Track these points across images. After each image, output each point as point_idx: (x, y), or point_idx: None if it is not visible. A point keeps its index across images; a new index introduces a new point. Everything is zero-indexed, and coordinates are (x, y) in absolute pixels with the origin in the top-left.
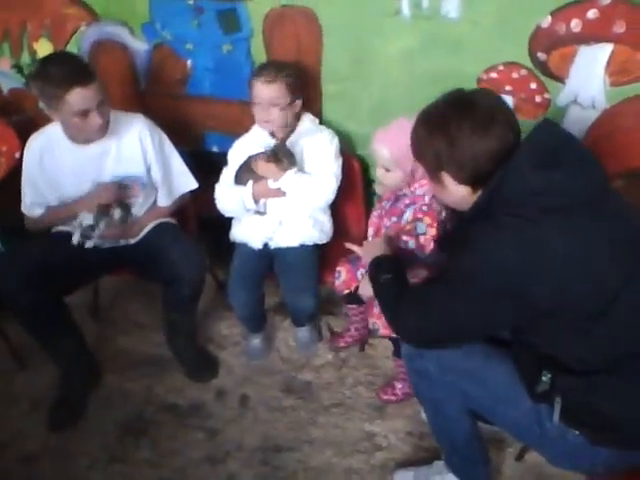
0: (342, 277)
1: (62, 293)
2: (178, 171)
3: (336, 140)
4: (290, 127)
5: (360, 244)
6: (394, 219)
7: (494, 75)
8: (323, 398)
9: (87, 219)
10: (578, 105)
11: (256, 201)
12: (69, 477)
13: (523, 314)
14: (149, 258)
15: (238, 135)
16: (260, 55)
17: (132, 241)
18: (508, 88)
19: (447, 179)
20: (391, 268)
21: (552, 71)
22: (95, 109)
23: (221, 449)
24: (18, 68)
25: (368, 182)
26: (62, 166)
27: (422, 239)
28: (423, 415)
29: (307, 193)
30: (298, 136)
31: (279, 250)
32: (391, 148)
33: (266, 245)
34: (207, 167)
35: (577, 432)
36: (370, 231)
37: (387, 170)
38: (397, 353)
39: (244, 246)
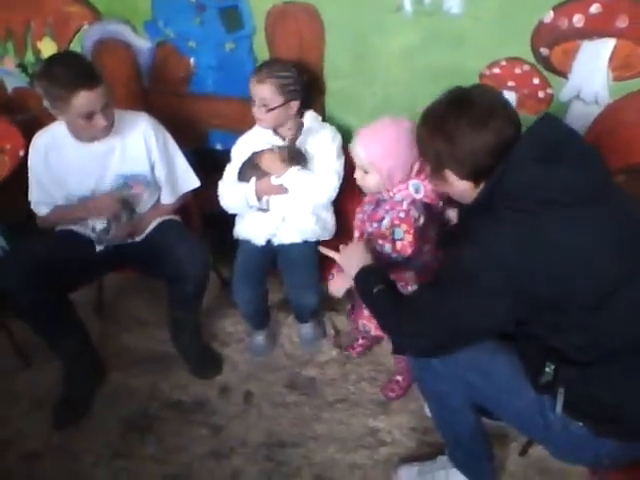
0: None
1: (66, 290)
2: (181, 169)
3: (339, 137)
4: (295, 126)
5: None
6: (375, 225)
7: (497, 71)
8: (327, 394)
9: (99, 224)
10: (581, 100)
11: (259, 198)
12: (73, 475)
13: (524, 308)
14: (153, 255)
15: (241, 133)
16: (263, 52)
17: (137, 239)
18: (511, 84)
19: (450, 176)
20: (381, 278)
21: (555, 66)
22: (100, 111)
23: (225, 445)
24: (22, 67)
25: None
26: (67, 164)
27: (399, 244)
28: (427, 410)
29: (309, 190)
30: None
31: (282, 247)
32: (365, 149)
33: (269, 242)
34: (211, 165)
35: (580, 424)
36: (356, 233)
37: (365, 172)
38: (396, 351)
39: (247, 243)
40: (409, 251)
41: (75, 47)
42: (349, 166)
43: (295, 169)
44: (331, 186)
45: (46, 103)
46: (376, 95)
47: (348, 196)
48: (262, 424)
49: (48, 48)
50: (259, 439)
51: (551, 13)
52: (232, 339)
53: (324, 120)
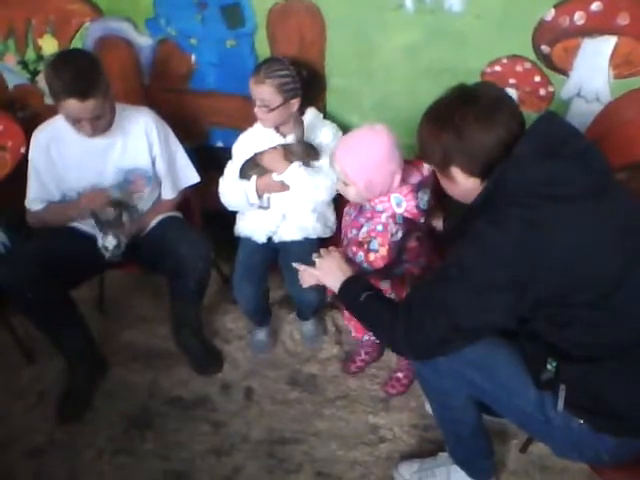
0: None
1: (68, 287)
2: (182, 164)
3: (340, 134)
4: (296, 125)
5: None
6: (354, 232)
7: (498, 68)
8: (328, 391)
9: (109, 241)
10: (582, 98)
11: (259, 196)
12: (76, 469)
13: (526, 305)
14: (155, 251)
15: (243, 130)
16: (264, 50)
17: (141, 234)
18: (512, 81)
19: (457, 173)
20: (365, 286)
21: (556, 64)
22: (88, 121)
23: (226, 441)
24: (23, 64)
25: None
26: (68, 157)
27: (372, 256)
28: (427, 407)
29: (311, 187)
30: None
31: (283, 244)
32: (341, 163)
33: (270, 239)
34: (212, 162)
35: (581, 421)
36: (343, 235)
37: (345, 184)
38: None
39: (248, 240)
40: (380, 264)
41: (76, 44)
42: None
43: (296, 166)
44: (332, 183)
45: (49, 100)
46: (377, 92)
47: None
48: (263, 421)
49: (49, 45)
50: (260, 436)
51: (552, 11)
52: (233, 336)
53: (325, 117)
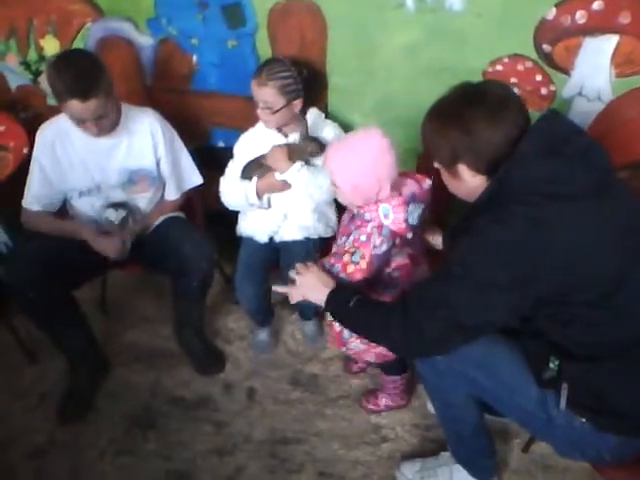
0: None
1: (70, 287)
2: (186, 166)
3: (342, 134)
4: (295, 122)
5: None
6: (344, 239)
7: (499, 68)
8: (330, 391)
9: None
10: (583, 97)
11: (260, 197)
12: (77, 470)
13: (528, 303)
14: (159, 251)
15: (244, 130)
16: (265, 50)
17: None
18: (513, 80)
19: (464, 171)
20: (351, 292)
21: (557, 63)
22: (92, 121)
23: (229, 441)
24: (25, 65)
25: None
26: (73, 155)
27: (351, 267)
28: (429, 407)
29: (313, 186)
30: None
31: (284, 244)
32: (330, 168)
33: (272, 239)
34: (213, 162)
35: (583, 420)
36: (334, 245)
37: (336, 187)
38: (386, 371)
39: (250, 240)
40: (358, 277)
41: (78, 45)
42: None
43: (299, 165)
44: None
45: (52, 100)
46: (378, 91)
47: None
48: (265, 421)
49: (51, 46)
50: (262, 436)
51: (553, 10)
52: (235, 336)
53: (327, 117)
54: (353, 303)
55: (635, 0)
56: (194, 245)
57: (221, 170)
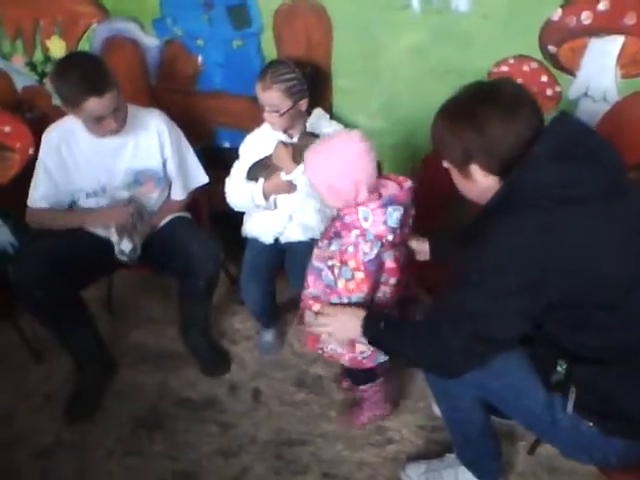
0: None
1: (78, 287)
2: (192, 165)
3: None
4: (301, 122)
5: None
6: (325, 243)
7: (505, 69)
8: (335, 392)
9: (125, 245)
10: (589, 98)
11: (266, 198)
12: (84, 470)
13: (539, 308)
14: (165, 251)
15: (249, 130)
16: (270, 50)
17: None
18: (519, 81)
19: (476, 171)
20: (378, 317)
21: (563, 64)
22: (110, 115)
23: (234, 442)
24: (31, 65)
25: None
26: (79, 156)
27: (351, 285)
28: (435, 409)
29: None
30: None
31: (289, 245)
32: (307, 167)
33: (277, 240)
34: (219, 163)
35: (590, 424)
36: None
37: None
38: (356, 382)
39: (255, 241)
40: (365, 289)
41: (84, 45)
42: None
43: (303, 166)
44: None
45: (57, 101)
46: (383, 92)
47: None
48: (271, 422)
49: (57, 47)
50: (268, 437)
51: (559, 10)
52: (240, 337)
53: (332, 118)
54: (383, 325)
55: None
56: (201, 245)
57: (226, 170)
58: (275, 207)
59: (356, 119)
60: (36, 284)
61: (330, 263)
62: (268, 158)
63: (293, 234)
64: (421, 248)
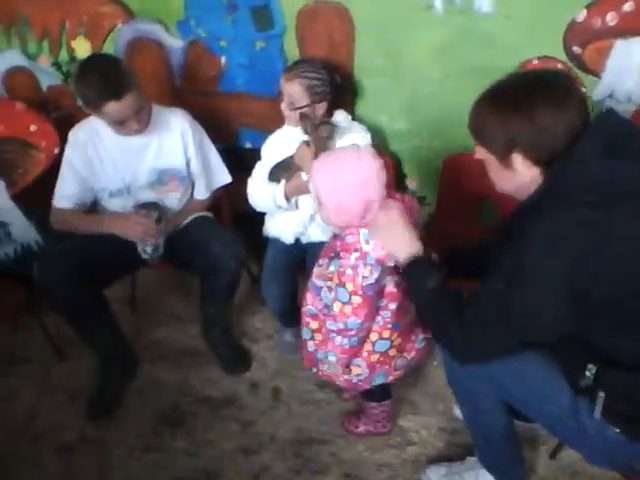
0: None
1: (101, 285)
2: (215, 165)
3: (368, 136)
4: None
5: None
6: (325, 261)
7: None
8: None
9: (149, 246)
10: (614, 99)
11: (287, 199)
12: (106, 466)
13: (580, 308)
14: (188, 250)
15: (272, 131)
16: (293, 51)
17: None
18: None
19: (518, 161)
20: (432, 270)
21: (588, 65)
22: (132, 117)
23: (254, 441)
24: (57, 65)
25: (400, 178)
26: (104, 156)
27: (347, 308)
28: (456, 412)
29: None
30: None
31: (310, 245)
32: (315, 181)
33: (298, 240)
34: (241, 163)
35: (617, 430)
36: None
37: (319, 204)
38: (367, 396)
39: (277, 241)
40: (362, 316)
41: (108, 46)
42: None
43: None
44: None
45: (80, 102)
46: (406, 93)
47: None
48: (291, 421)
49: (82, 47)
50: (288, 435)
51: (584, 12)
52: (261, 336)
53: (354, 119)
54: (431, 287)
55: None
56: (223, 244)
57: (248, 171)
58: (297, 208)
59: (378, 120)
60: (60, 283)
61: (329, 284)
62: (290, 159)
63: (314, 234)
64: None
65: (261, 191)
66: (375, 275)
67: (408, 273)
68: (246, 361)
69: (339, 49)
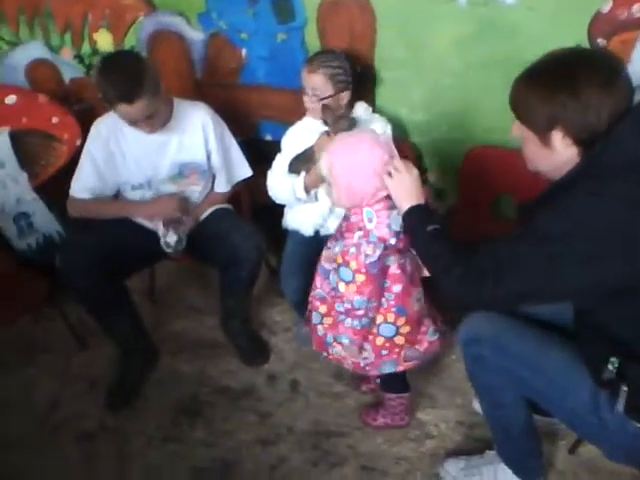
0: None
1: (123, 276)
2: (236, 158)
3: (389, 128)
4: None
5: None
6: (333, 244)
7: None
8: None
9: (171, 237)
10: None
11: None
12: (125, 455)
13: (602, 288)
14: (208, 242)
15: (292, 124)
16: (314, 44)
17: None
18: None
19: (557, 139)
20: (434, 219)
21: None
22: (143, 121)
23: (272, 432)
24: (79, 58)
25: (421, 170)
26: (126, 150)
27: (351, 287)
28: (475, 405)
29: None
30: None
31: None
32: (330, 156)
33: (318, 232)
34: (261, 155)
35: (639, 425)
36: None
37: (329, 184)
38: (385, 388)
39: (296, 233)
40: (366, 293)
41: (130, 39)
42: (399, 156)
43: None
44: None
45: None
46: (427, 86)
47: None
48: (309, 413)
49: (104, 40)
50: (305, 427)
51: (609, 3)
52: (279, 328)
53: (374, 111)
54: (430, 229)
55: None
56: (244, 236)
57: (268, 163)
58: (316, 200)
59: (399, 112)
60: (82, 274)
61: (334, 265)
62: (310, 150)
63: (333, 226)
64: None
65: (281, 183)
66: (378, 252)
67: (410, 217)
68: (264, 353)
69: (360, 41)
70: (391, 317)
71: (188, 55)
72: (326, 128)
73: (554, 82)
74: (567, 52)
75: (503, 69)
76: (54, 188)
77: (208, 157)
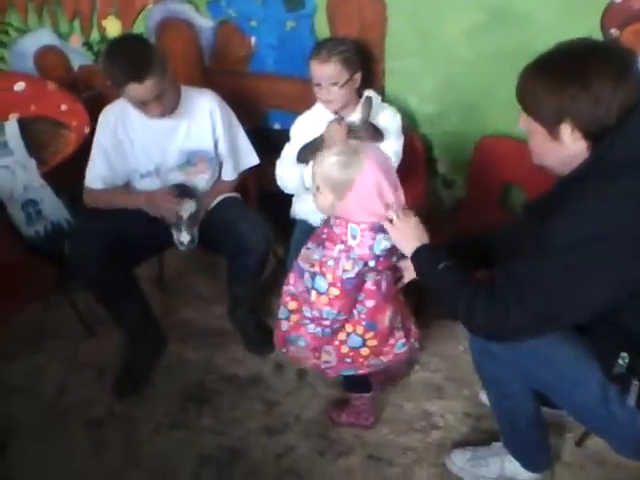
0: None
1: (131, 264)
2: (243, 146)
3: (399, 117)
4: (353, 103)
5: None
6: (313, 245)
7: None
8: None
9: (184, 236)
10: None
11: None
12: (133, 442)
13: (624, 288)
14: (216, 231)
15: (301, 112)
16: (323, 31)
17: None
18: None
19: (566, 133)
20: (444, 256)
21: None
22: (153, 101)
23: (279, 421)
24: (88, 45)
25: (430, 160)
26: (134, 138)
27: (322, 298)
28: (482, 397)
29: None
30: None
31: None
32: (364, 160)
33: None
34: (269, 144)
35: None
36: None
37: (317, 189)
38: (348, 387)
39: (304, 223)
40: (336, 307)
41: (139, 26)
42: (408, 147)
43: None
44: (396, 159)
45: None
46: (437, 75)
47: (407, 177)
48: (315, 402)
49: (113, 27)
50: (312, 416)
51: None
52: None
53: (384, 100)
54: (441, 267)
55: None
56: (251, 225)
57: (277, 152)
58: None
59: (408, 102)
60: (90, 261)
61: (311, 270)
62: (319, 139)
63: None
64: (407, 265)
65: (290, 173)
66: (356, 270)
67: (416, 258)
68: (271, 342)
69: (370, 29)
70: (360, 330)
71: (197, 42)
72: (335, 117)
73: (563, 74)
74: (577, 43)
75: (514, 59)
76: (63, 175)
77: (215, 144)
